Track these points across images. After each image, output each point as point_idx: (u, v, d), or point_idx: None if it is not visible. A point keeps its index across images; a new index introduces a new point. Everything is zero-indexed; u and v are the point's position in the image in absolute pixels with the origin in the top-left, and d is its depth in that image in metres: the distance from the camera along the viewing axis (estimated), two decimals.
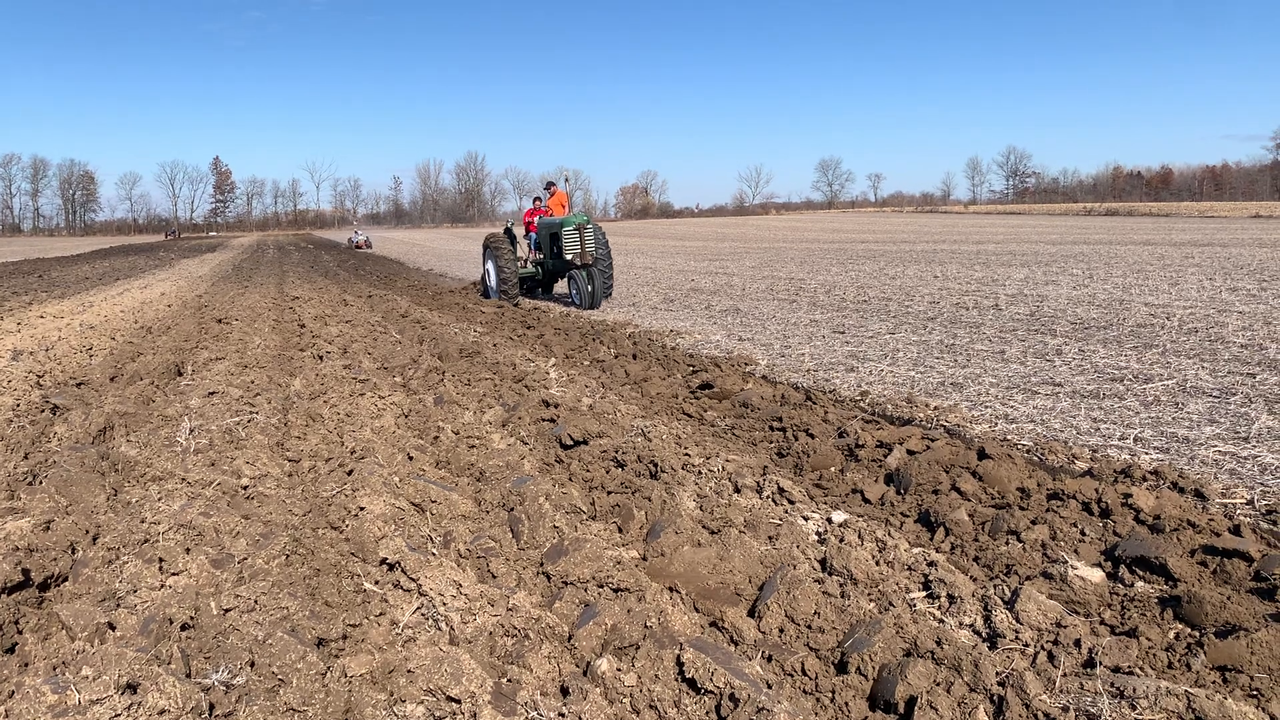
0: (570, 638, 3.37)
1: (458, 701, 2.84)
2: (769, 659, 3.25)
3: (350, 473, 5.36)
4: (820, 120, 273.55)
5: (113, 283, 29.00)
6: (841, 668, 3.17)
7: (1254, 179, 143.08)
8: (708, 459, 5.55)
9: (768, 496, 4.86)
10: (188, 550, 3.96)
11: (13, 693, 2.76)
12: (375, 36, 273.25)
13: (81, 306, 18.83)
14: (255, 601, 3.46)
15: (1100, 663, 2.95)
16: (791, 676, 3.16)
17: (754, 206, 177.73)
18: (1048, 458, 5.66)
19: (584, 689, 2.89)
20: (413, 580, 3.75)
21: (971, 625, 3.37)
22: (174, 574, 3.75)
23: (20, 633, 3.54)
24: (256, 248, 71.02)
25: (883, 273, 21.97)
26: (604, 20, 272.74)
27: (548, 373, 9.12)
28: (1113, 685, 2.79)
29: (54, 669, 2.98)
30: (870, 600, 3.56)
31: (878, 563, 3.92)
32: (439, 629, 3.41)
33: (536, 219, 19.91)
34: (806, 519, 4.57)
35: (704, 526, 4.37)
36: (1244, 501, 4.71)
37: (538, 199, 21.01)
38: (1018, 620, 3.27)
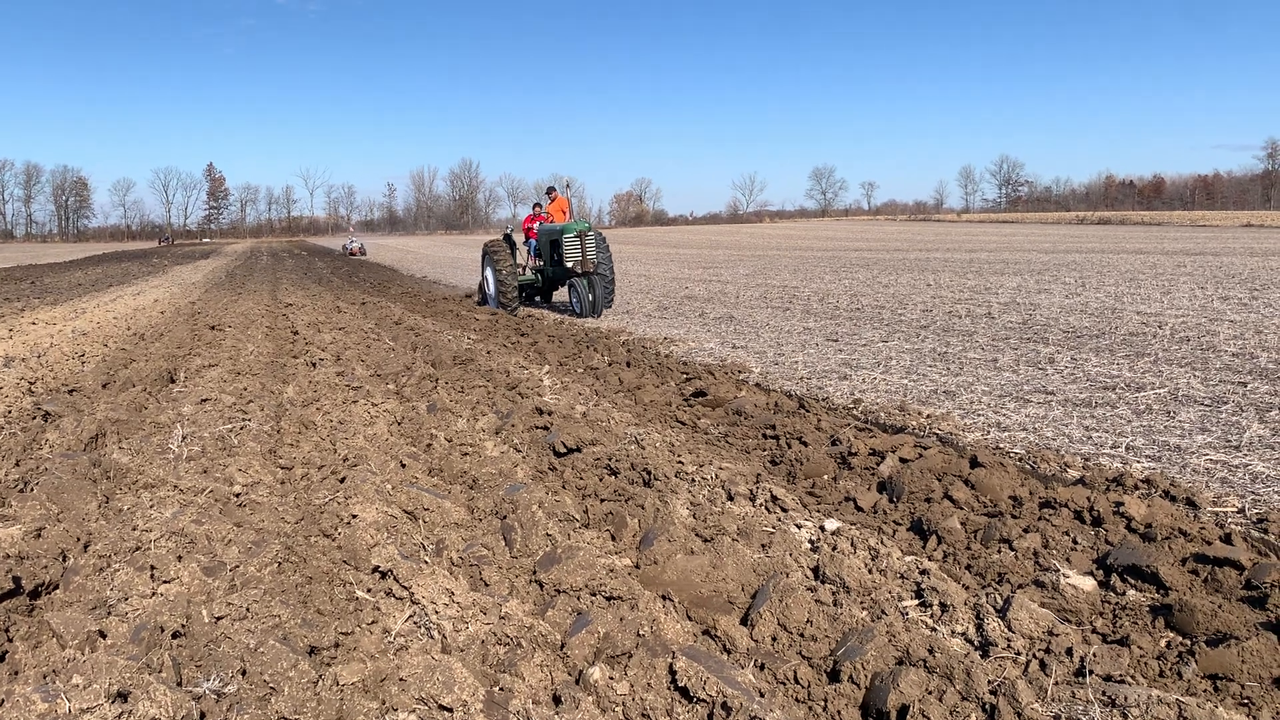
0: (563, 646, 3.36)
1: (450, 710, 2.84)
2: (761, 667, 3.25)
3: (343, 480, 5.36)
4: (814, 129, 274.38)
5: (105, 289, 28.93)
6: (834, 676, 3.17)
7: (1245, 188, 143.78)
8: (701, 467, 5.55)
9: (761, 504, 4.86)
10: (179, 558, 3.95)
11: (2, 701, 2.74)
12: (369, 43, 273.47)
13: (74, 313, 18.79)
14: (247, 609, 3.45)
15: (1092, 671, 2.96)
16: (784, 685, 3.16)
17: (748, 214, 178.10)
18: (1040, 466, 5.67)
19: (576, 697, 2.89)
20: (405, 588, 3.75)
21: (964, 634, 3.37)
22: (165, 582, 3.73)
23: (10, 641, 3.52)
24: (250, 254, 70.95)
25: (876, 281, 22.02)
26: (599, 28, 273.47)
27: (541, 380, 9.12)
28: (1104, 694, 2.79)
29: (44, 677, 2.97)
30: (863, 608, 3.56)
31: (870, 571, 3.92)
32: (431, 637, 3.41)
33: (536, 225, 19.57)
34: (799, 527, 4.57)
35: (697, 534, 4.37)
36: (1235, 510, 4.72)
37: (538, 205, 20.73)
38: (1010, 629, 3.28)
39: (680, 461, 5.69)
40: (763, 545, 4.22)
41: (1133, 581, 3.80)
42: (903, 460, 5.63)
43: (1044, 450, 6.00)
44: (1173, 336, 10.64)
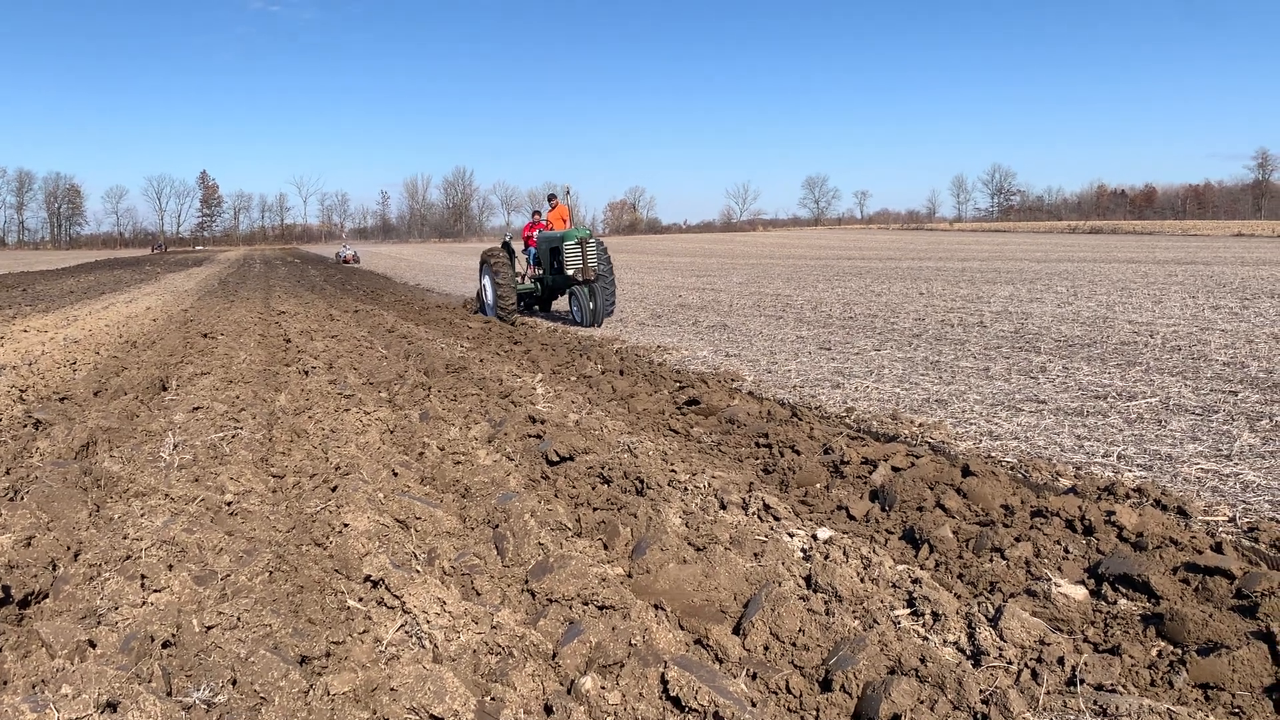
0: (554, 656, 3.36)
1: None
2: (754, 677, 3.25)
3: (334, 489, 5.35)
4: (807, 138, 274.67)
5: (98, 297, 28.86)
6: (826, 686, 3.17)
7: (1236, 198, 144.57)
8: (694, 475, 5.55)
9: (753, 513, 4.86)
10: (170, 567, 3.93)
11: None
12: (363, 51, 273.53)
13: (66, 320, 18.73)
14: (238, 619, 3.44)
15: (1083, 680, 2.96)
16: (776, 695, 3.15)
17: (741, 223, 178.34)
18: (1032, 475, 5.68)
19: (568, 707, 2.88)
20: (396, 597, 3.74)
21: (956, 643, 3.37)
22: (156, 591, 3.72)
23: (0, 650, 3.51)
24: (243, 262, 70.84)
25: (869, 289, 22.06)
26: (593, 37, 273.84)
27: (534, 388, 9.11)
28: (1096, 703, 2.80)
29: (33, 687, 2.96)
30: (855, 618, 3.57)
31: (863, 580, 3.92)
32: (422, 647, 3.40)
33: (536, 233, 19.24)
34: (792, 536, 4.58)
35: (689, 543, 4.37)
36: (1226, 519, 4.73)
37: (537, 212, 20.43)
38: (1001, 638, 3.28)
39: (673, 470, 5.69)
40: (755, 554, 4.22)
41: (1124, 590, 3.81)
42: (895, 469, 5.64)
43: (1036, 459, 6.01)
44: (1164, 346, 10.68)
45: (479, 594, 4.02)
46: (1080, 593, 3.78)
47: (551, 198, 20.03)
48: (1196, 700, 2.98)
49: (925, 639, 3.42)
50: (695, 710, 2.88)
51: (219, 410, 7.56)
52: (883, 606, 3.65)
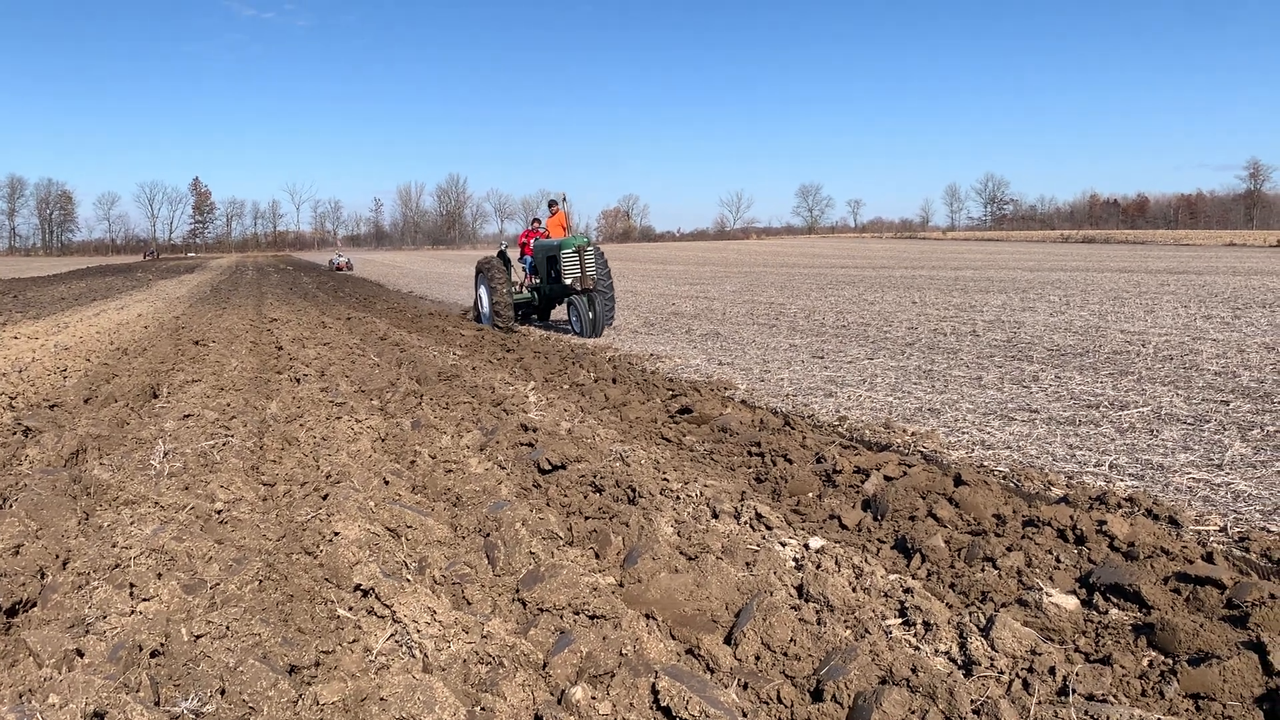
0: (545, 665, 3.35)
1: None
2: (745, 687, 3.24)
3: (325, 497, 5.33)
4: (801, 146, 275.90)
5: (89, 303, 28.79)
6: (817, 695, 3.16)
7: (1228, 207, 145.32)
8: (686, 484, 5.54)
9: (745, 522, 4.85)
10: (159, 575, 3.92)
11: None
12: (357, 59, 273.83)
13: (56, 327, 18.68)
14: (227, 628, 3.43)
15: (1075, 690, 2.96)
16: (767, 705, 3.15)
17: (735, 231, 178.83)
18: (1024, 484, 5.68)
19: (558, 717, 2.87)
20: (387, 607, 3.72)
21: (947, 653, 3.37)
22: (145, 600, 3.70)
23: None
24: (235, 269, 70.74)
25: (862, 298, 22.09)
26: (587, 44, 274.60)
27: (527, 396, 9.10)
28: (1087, 713, 2.80)
29: (20, 697, 2.94)
30: (846, 627, 3.56)
31: (854, 589, 3.92)
32: (412, 656, 3.39)
33: (533, 241, 18.71)
34: (784, 545, 4.57)
35: (681, 553, 4.36)
36: (1217, 529, 4.74)
37: (535, 220, 19.96)
38: (993, 648, 3.28)
39: (665, 479, 5.68)
40: (747, 563, 4.21)
41: (1115, 600, 3.81)
42: (887, 478, 5.64)
43: (1028, 468, 6.01)
44: (1156, 355, 10.70)
45: (470, 603, 4.01)
46: (1072, 602, 3.77)
47: (551, 204, 19.50)
48: (1187, 710, 2.98)
49: (917, 649, 3.41)
50: None
51: (210, 418, 7.54)
52: (874, 616, 3.65)
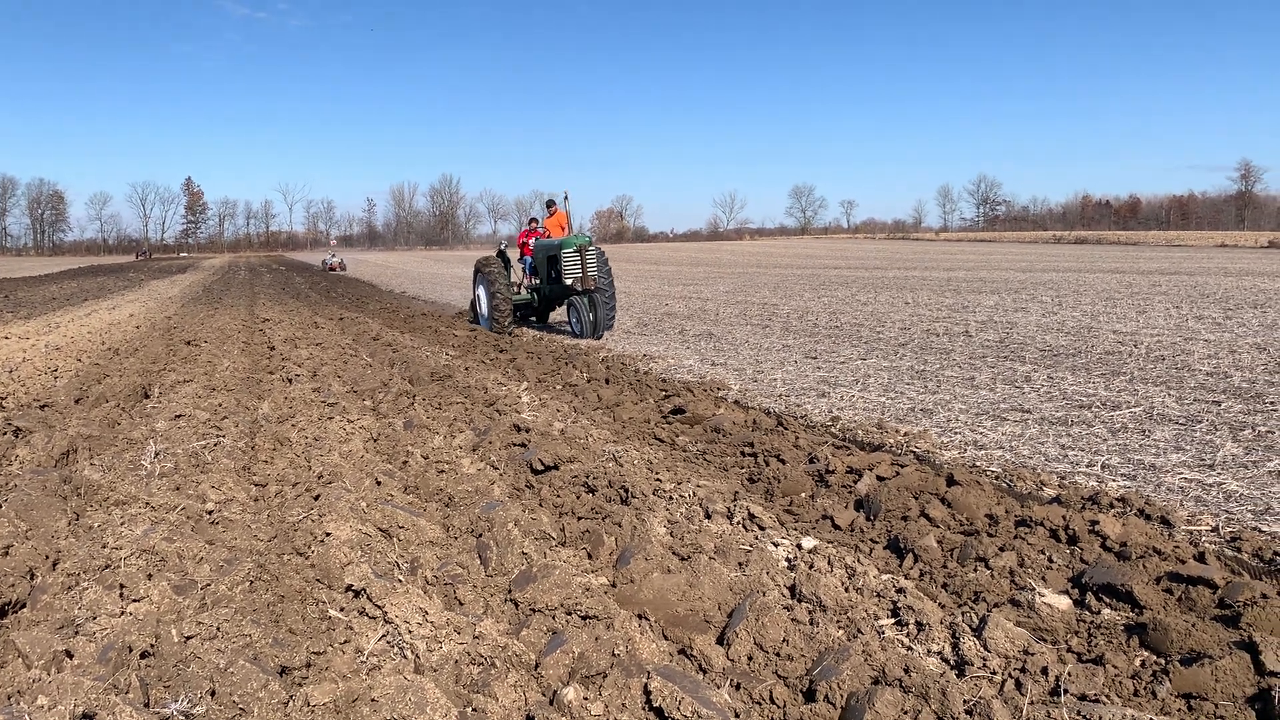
0: (537, 666, 3.34)
1: None
2: (737, 687, 3.24)
3: (317, 498, 5.31)
4: (794, 147, 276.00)
5: (80, 303, 28.69)
6: (810, 696, 3.15)
7: (1219, 209, 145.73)
8: (679, 484, 5.53)
9: (738, 522, 4.85)
10: (149, 576, 3.90)
11: None
12: (350, 59, 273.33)
13: (47, 327, 18.61)
14: (217, 629, 3.41)
15: (1067, 690, 2.96)
16: (759, 705, 3.14)
17: (728, 232, 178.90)
18: (1016, 484, 5.69)
19: (550, 718, 2.86)
20: (378, 607, 3.71)
21: (940, 653, 3.37)
22: (135, 600, 3.69)
23: None
24: (228, 269, 70.56)
25: (855, 299, 22.11)
26: (581, 45, 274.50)
27: (519, 397, 9.09)
28: (1079, 713, 2.80)
29: (8, 698, 2.92)
30: (839, 627, 3.56)
31: (847, 590, 3.92)
32: (404, 657, 3.37)
33: (533, 241, 18.28)
34: (776, 545, 4.57)
35: (674, 553, 4.36)
36: (1209, 529, 4.75)
37: (532, 219, 19.54)
38: (986, 648, 3.28)
39: (658, 479, 5.67)
40: (740, 564, 4.21)
41: (1108, 600, 3.81)
42: (880, 478, 5.64)
43: (1020, 468, 6.02)
44: (1148, 355, 10.73)
45: (461, 604, 4.00)
46: (1064, 602, 3.78)
47: (550, 204, 19.21)
48: (1180, 710, 2.98)
49: (909, 649, 3.41)
50: None
51: (201, 418, 7.51)
52: (867, 616, 3.65)
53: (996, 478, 5.88)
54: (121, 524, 4.66)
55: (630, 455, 6.18)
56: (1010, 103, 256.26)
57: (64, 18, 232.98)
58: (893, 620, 3.65)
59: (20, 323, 20.26)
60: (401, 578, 4.16)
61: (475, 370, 11.33)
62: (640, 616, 3.75)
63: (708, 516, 4.95)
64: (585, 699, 2.98)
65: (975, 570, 4.21)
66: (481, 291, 17.83)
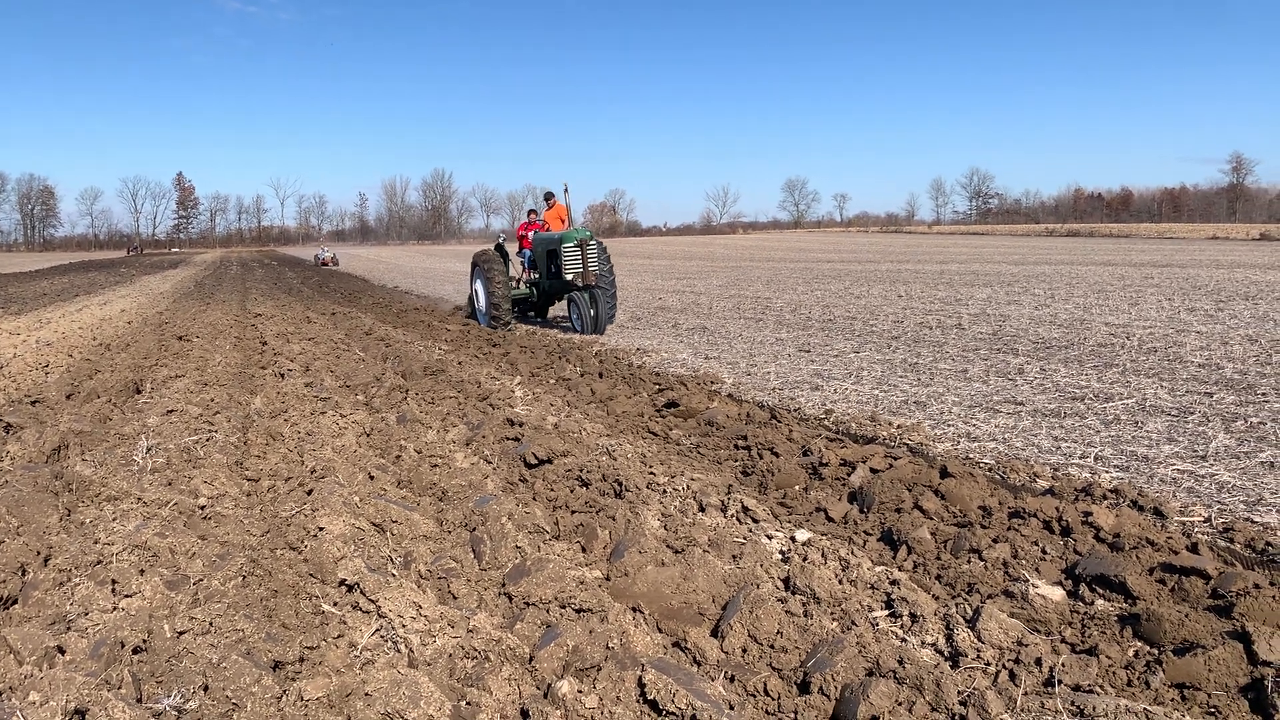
0: (531, 659, 3.33)
1: None
2: (731, 679, 3.24)
3: (310, 492, 5.30)
4: (787, 141, 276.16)
5: (71, 299, 28.58)
6: (804, 688, 3.16)
7: (1211, 201, 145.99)
8: (672, 478, 5.53)
9: (732, 515, 4.85)
10: (142, 572, 3.88)
11: None
12: (341, 53, 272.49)
13: (38, 323, 18.54)
14: (210, 624, 3.40)
15: (1061, 681, 2.97)
16: (754, 697, 3.14)
17: (721, 225, 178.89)
18: (1009, 476, 5.69)
19: (544, 711, 2.86)
20: (372, 602, 3.70)
21: (934, 644, 3.37)
22: (127, 596, 3.67)
23: None
24: (220, 264, 70.34)
25: (848, 292, 22.13)
26: (572, 39, 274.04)
27: (513, 391, 9.08)
28: (1073, 704, 2.80)
29: (0, 694, 2.90)
30: (833, 619, 3.56)
31: (841, 581, 3.92)
32: (398, 651, 3.37)
33: (531, 234, 17.89)
34: (770, 538, 4.57)
35: (668, 546, 4.35)
36: (1202, 519, 4.76)
37: (532, 212, 19.22)
38: (979, 639, 3.28)
39: (652, 472, 5.67)
40: (734, 556, 4.21)
41: (1101, 591, 3.82)
42: (873, 470, 5.64)
43: (1013, 460, 6.03)
44: (1140, 347, 10.75)
45: (455, 597, 3.99)
46: (1057, 593, 3.78)
47: (549, 196, 18.66)
48: (1173, 700, 2.99)
49: (903, 640, 3.42)
50: (673, 713, 2.86)
51: (193, 413, 7.48)
52: (861, 608, 3.65)
53: (990, 470, 5.89)
54: (113, 519, 4.64)
55: (624, 449, 6.18)
56: (1002, 95, 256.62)
57: (54, 12, 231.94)
58: (887, 612, 3.65)
59: (11, 318, 20.18)
60: (395, 572, 4.15)
61: (468, 365, 11.31)
62: (634, 609, 3.75)
63: (701, 509, 4.95)
64: (580, 692, 2.98)
65: (969, 562, 4.22)
66: (479, 286, 17.33)
